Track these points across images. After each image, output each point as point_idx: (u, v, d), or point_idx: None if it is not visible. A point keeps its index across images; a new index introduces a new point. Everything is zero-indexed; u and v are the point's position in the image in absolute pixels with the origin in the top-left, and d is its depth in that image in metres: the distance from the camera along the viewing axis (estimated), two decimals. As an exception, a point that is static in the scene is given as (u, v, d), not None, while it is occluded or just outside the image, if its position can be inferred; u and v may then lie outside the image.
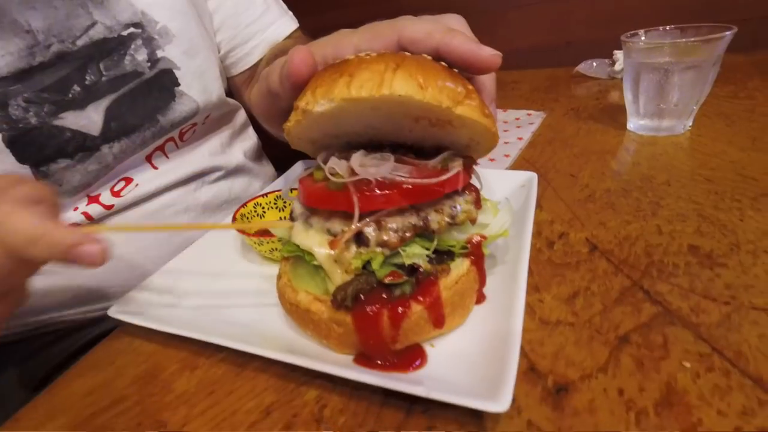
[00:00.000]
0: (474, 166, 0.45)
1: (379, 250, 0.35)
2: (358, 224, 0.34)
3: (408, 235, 0.35)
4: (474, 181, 0.45)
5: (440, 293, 0.37)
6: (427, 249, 0.37)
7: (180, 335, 0.43)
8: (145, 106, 0.66)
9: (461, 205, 0.39)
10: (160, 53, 0.68)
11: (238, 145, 0.88)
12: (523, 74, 1.40)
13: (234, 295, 0.50)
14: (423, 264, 0.36)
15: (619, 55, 1.17)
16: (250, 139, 0.92)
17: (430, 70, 0.35)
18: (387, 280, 0.35)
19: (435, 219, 0.37)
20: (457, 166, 0.39)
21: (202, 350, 0.44)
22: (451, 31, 0.38)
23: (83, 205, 0.64)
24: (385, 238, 0.35)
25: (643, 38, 0.78)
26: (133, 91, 0.65)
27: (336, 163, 0.36)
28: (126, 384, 0.42)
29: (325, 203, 0.37)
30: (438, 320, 0.37)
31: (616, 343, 0.39)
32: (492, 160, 0.81)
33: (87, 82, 0.61)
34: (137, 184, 0.69)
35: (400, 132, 0.40)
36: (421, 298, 0.36)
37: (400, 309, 0.36)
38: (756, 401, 0.32)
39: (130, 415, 0.38)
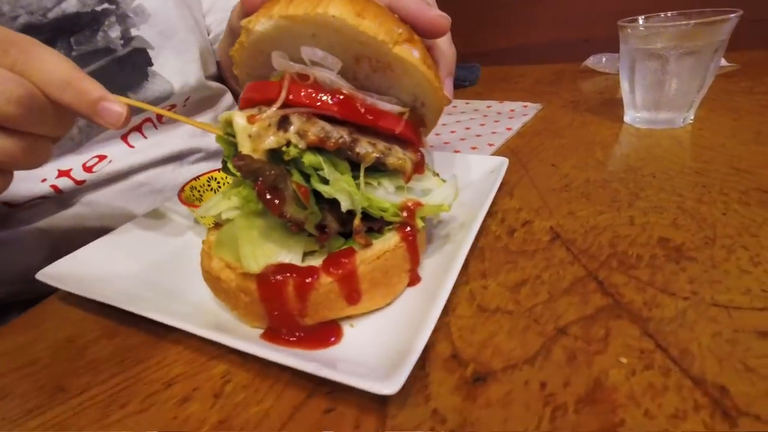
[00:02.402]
0: (428, 146, 0.43)
1: (295, 139, 0.33)
2: (286, 110, 0.33)
3: (331, 143, 0.33)
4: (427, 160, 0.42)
5: (355, 267, 0.34)
6: (357, 186, 0.35)
7: (107, 305, 0.42)
8: (115, 84, 0.65)
9: (398, 152, 0.37)
10: (134, 32, 0.67)
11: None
12: (531, 68, 1.35)
13: (168, 267, 0.48)
14: (346, 201, 0.34)
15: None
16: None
17: (373, 7, 0.34)
18: (292, 183, 0.33)
19: (364, 146, 0.35)
20: (399, 108, 0.38)
21: (126, 319, 0.42)
22: None
23: (52, 178, 0.64)
24: (306, 129, 0.33)
25: (642, 23, 0.73)
26: (104, 68, 0.65)
27: (284, 63, 0.35)
28: (42, 348, 0.40)
29: (260, 91, 0.35)
30: (351, 296, 0.34)
31: (553, 334, 0.35)
32: (474, 148, 0.77)
33: None
34: (111, 161, 0.68)
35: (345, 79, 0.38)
36: (332, 269, 0.34)
37: (307, 279, 0.33)
38: (692, 403, 0.28)
39: (34, 378, 0.37)
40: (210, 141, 0.83)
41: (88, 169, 0.67)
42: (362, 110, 0.35)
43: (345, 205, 0.34)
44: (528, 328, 0.36)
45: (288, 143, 0.32)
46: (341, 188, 0.33)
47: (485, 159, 0.61)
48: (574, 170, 0.63)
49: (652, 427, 0.27)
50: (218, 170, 0.59)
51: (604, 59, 1.20)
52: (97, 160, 0.68)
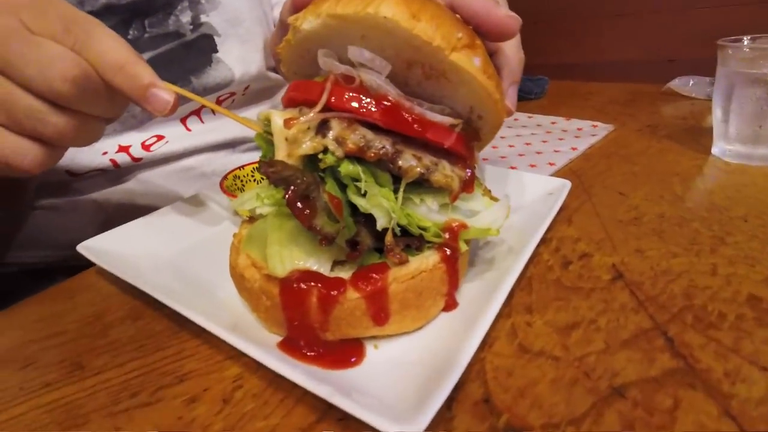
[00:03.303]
0: (479, 159, 0.39)
1: (333, 145, 0.30)
2: (327, 114, 0.31)
3: (371, 153, 0.30)
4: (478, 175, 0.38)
5: (386, 284, 0.31)
6: (393, 212, 0.31)
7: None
8: (180, 67, 0.67)
9: (445, 168, 0.33)
10: (203, 18, 0.69)
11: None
12: (604, 86, 1.26)
13: (200, 256, 0.47)
14: (383, 220, 0.31)
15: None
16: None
17: (431, 6, 0.31)
18: (324, 194, 0.30)
19: (408, 159, 0.32)
20: (451, 120, 0.34)
21: (153, 303, 0.41)
22: None
23: (112, 152, 0.67)
24: (345, 136, 0.30)
25: (747, 43, 0.64)
26: (172, 51, 0.67)
27: (332, 63, 0.33)
28: (72, 320, 0.41)
29: (302, 90, 0.34)
30: (378, 316, 0.31)
31: (607, 394, 0.30)
32: (533, 166, 0.72)
33: (130, 37, 0.63)
34: (167, 141, 0.70)
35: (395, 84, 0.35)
36: (360, 284, 0.31)
37: (333, 291, 0.30)
38: None
39: (58, 350, 0.37)
40: (265, 131, 0.84)
41: (146, 147, 0.69)
42: (409, 119, 0.32)
43: (381, 223, 0.31)
44: (576, 382, 0.31)
45: (325, 150, 0.30)
46: (378, 203, 0.31)
47: (544, 179, 0.56)
48: (646, 202, 0.56)
49: None
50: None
51: (691, 82, 1.08)
52: (155, 139, 0.70)
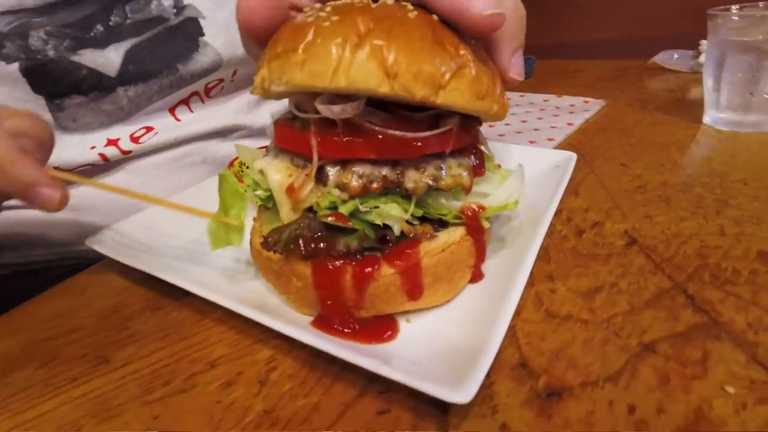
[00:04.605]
0: (483, 135, 0.38)
1: (336, 192, 0.30)
2: (321, 161, 0.29)
3: (375, 186, 0.30)
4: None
5: (419, 258, 0.31)
6: (406, 211, 0.31)
7: (153, 276, 0.40)
8: (167, 53, 0.65)
9: (450, 168, 0.32)
10: (186, 0, 0.66)
11: (266, 106, 0.85)
12: (590, 64, 1.27)
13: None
14: (396, 226, 0.31)
15: (706, 45, 1.02)
16: (281, 102, 0.90)
17: (405, 39, 0.26)
18: (328, 220, 0.30)
19: (412, 177, 0.31)
20: (449, 123, 0.31)
21: (170, 292, 0.41)
22: None
23: (101, 146, 0.64)
24: (345, 181, 0.29)
25: (736, 11, 0.66)
26: (156, 37, 0.64)
27: (304, 98, 0.31)
28: (87, 315, 0.40)
29: (289, 143, 0.32)
30: (414, 290, 0.31)
31: (638, 351, 0.30)
32: (532, 142, 0.72)
33: (111, 23, 0.61)
34: (157, 132, 0.68)
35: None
36: (395, 261, 0.30)
37: (367, 268, 0.30)
38: (825, 452, 0.23)
39: (80, 345, 0.36)
40: (256, 118, 0.82)
41: (135, 139, 0.66)
42: (403, 144, 0.30)
43: (397, 229, 0.31)
44: (607, 341, 0.32)
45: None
46: (387, 215, 0.30)
47: (550, 153, 0.57)
48: (648, 171, 0.57)
49: (777, 475, 0.22)
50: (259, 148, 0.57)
51: (675, 56, 1.11)
52: (144, 131, 0.68)
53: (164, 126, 0.69)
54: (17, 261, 0.68)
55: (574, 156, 0.54)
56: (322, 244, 0.29)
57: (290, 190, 0.30)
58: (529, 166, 0.54)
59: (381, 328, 0.32)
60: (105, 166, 0.65)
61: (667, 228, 0.44)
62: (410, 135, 0.29)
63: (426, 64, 0.26)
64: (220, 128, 0.75)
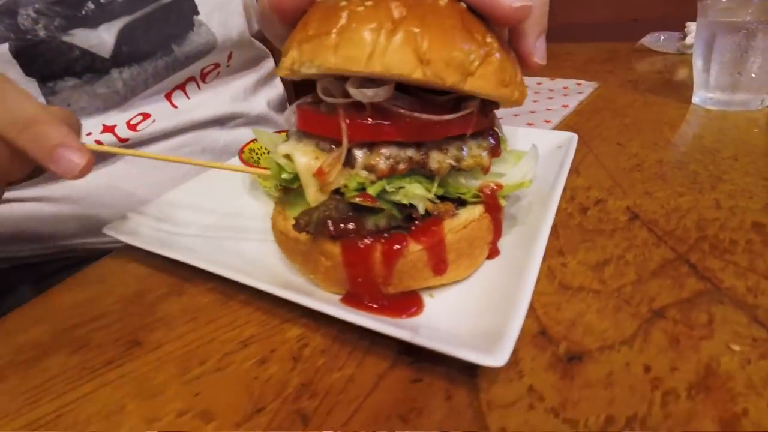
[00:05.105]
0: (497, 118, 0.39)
1: (364, 174, 0.31)
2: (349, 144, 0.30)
3: (401, 167, 0.31)
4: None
5: (444, 235, 0.32)
6: (429, 191, 0.32)
7: (172, 261, 0.41)
8: (161, 33, 0.64)
9: (471, 149, 0.34)
10: None
11: (262, 93, 0.85)
12: (579, 47, 1.29)
13: (231, 228, 0.47)
14: (421, 205, 0.32)
15: (692, 27, 1.04)
16: (276, 88, 0.89)
17: (437, 27, 0.27)
18: (356, 200, 0.31)
19: (436, 158, 0.32)
20: (471, 107, 0.33)
21: (191, 277, 0.41)
22: None
23: (97, 133, 0.63)
24: (373, 162, 0.30)
25: (724, -6, 0.68)
26: (150, 16, 0.63)
27: (331, 83, 0.32)
28: (112, 302, 0.40)
29: (315, 127, 0.33)
30: (439, 266, 0.33)
31: (649, 317, 0.33)
32: (530, 124, 0.74)
33: (102, 0, 0.59)
34: (154, 120, 0.67)
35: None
36: (421, 237, 0.32)
37: (395, 246, 0.31)
38: (822, 397, 0.25)
39: (109, 331, 0.37)
40: (252, 106, 0.82)
41: (132, 127, 0.66)
42: (427, 127, 0.31)
43: (421, 207, 0.32)
44: (620, 309, 0.34)
45: None
46: (413, 194, 0.32)
47: (551, 134, 0.58)
48: (644, 150, 0.60)
49: (781, 418, 0.25)
50: (276, 132, 0.57)
51: (662, 38, 1.13)
52: (141, 118, 0.67)
53: (162, 113, 0.68)
54: (18, 255, 0.68)
55: (575, 137, 0.56)
56: (351, 224, 0.31)
57: (319, 173, 0.31)
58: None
59: (408, 303, 0.34)
60: (103, 154, 0.65)
61: (666, 203, 0.47)
62: (435, 118, 0.30)
63: (457, 51, 0.27)
64: (218, 116, 0.75)
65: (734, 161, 0.54)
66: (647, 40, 1.14)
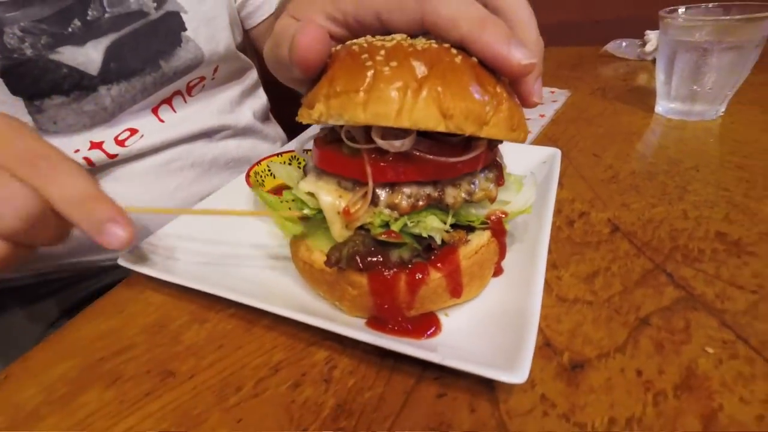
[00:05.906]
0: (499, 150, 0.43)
1: (387, 211, 0.34)
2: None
3: (421, 203, 0.34)
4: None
5: (460, 262, 0.36)
6: (444, 222, 0.36)
7: (189, 289, 0.42)
8: (149, 49, 0.63)
9: (480, 182, 0.37)
10: None
11: (247, 104, 0.85)
12: (548, 51, 1.35)
13: (245, 252, 0.49)
14: (438, 236, 0.35)
15: (651, 35, 1.12)
16: (260, 99, 0.90)
17: (456, 84, 0.30)
18: (382, 237, 0.34)
19: (451, 193, 0.36)
20: (480, 146, 0.36)
21: (211, 304, 0.43)
22: (482, 23, 0.31)
23: (85, 150, 0.63)
24: (396, 201, 0.34)
25: (682, 14, 0.74)
26: (137, 32, 0.62)
27: (354, 129, 0.34)
28: (135, 332, 0.41)
29: (337, 168, 0.35)
30: (456, 289, 0.36)
31: (636, 325, 0.38)
32: (513, 135, 0.78)
33: (89, 18, 0.58)
34: (142, 135, 0.67)
35: None
36: (440, 265, 0.35)
37: (418, 275, 0.35)
38: (781, 391, 0.31)
39: (139, 362, 0.38)
40: (239, 118, 0.82)
41: (120, 142, 0.65)
42: (446, 168, 0.34)
43: (438, 238, 0.35)
44: (611, 319, 0.38)
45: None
46: (430, 228, 0.35)
47: (536, 149, 0.63)
48: (618, 161, 0.65)
49: (749, 411, 0.30)
50: (277, 155, 0.59)
51: (624, 44, 1.21)
52: (129, 134, 0.66)
53: (149, 128, 0.68)
54: (5, 276, 0.66)
55: (558, 152, 0.60)
56: (378, 257, 0.34)
57: (346, 213, 0.33)
58: (517, 164, 0.60)
59: (427, 323, 0.37)
60: (91, 171, 0.64)
61: (642, 215, 0.52)
62: (452, 160, 0.33)
63: (474, 105, 0.31)
64: (206, 129, 0.75)
65: (696, 172, 0.60)
66: (611, 47, 1.21)
